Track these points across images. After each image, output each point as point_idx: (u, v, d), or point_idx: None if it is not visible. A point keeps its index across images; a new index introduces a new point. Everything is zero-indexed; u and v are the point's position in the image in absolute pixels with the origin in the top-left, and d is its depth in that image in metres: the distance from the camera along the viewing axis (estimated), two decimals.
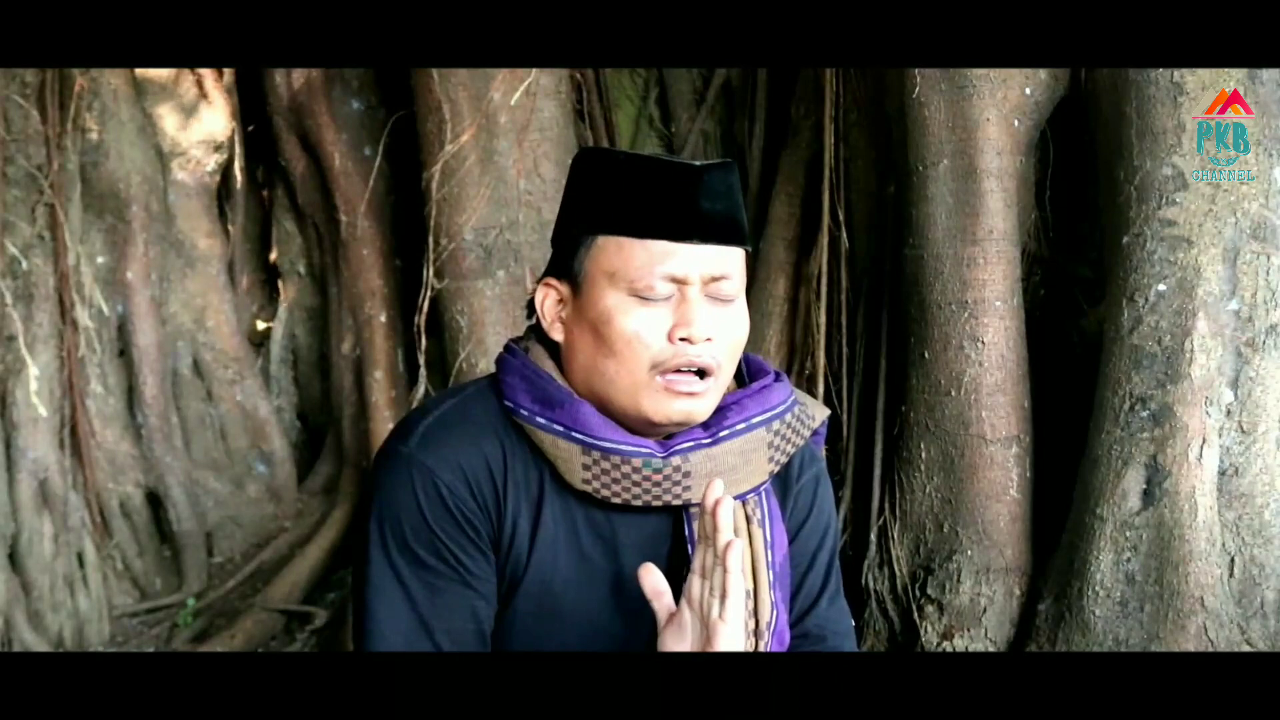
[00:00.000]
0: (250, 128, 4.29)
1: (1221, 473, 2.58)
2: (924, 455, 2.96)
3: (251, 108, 4.20)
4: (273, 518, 4.16)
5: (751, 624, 1.32)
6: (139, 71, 3.93)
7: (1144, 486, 2.61)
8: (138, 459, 3.92)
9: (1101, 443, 2.68)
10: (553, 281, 1.35)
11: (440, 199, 3.31)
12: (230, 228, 4.31)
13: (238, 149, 4.24)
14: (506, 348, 1.41)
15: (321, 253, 4.28)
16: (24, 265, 3.62)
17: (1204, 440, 2.56)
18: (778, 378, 1.41)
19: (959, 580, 2.88)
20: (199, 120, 4.09)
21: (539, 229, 3.33)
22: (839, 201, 3.30)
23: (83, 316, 3.77)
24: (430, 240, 3.35)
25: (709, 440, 1.31)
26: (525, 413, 1.32)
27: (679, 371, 1.28)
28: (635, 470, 1.29)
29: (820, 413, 1.45)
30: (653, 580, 1.25)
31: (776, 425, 1.36)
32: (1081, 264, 3.08)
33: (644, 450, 1.29)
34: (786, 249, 3.54)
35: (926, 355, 2.93)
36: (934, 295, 2.90)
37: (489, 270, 3.33)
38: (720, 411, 1.34)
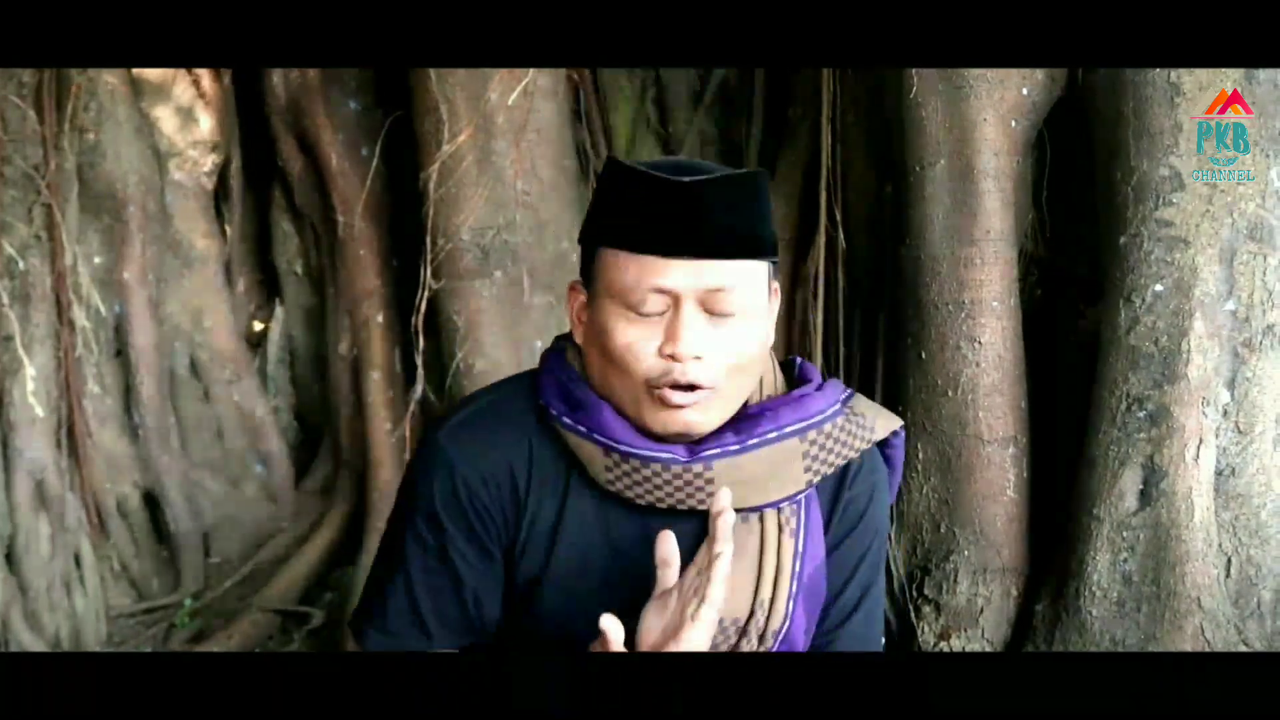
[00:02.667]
0: (248, 128, 4.28)
1: (1218, 473, 2.58)
2: (921, 455, 2.96)
3: (249, 108, 4.19)
4: (270, 518, 4.16)
5: (759, 628, 1.32)
6: (136, 72, 3.92)
7: (1141, 487, 2.61)
8: (135, 459, 3.91)
9: (1098, 443, 2.68)
10: (578, 286, 1.38)
11: (437, 199, 3.31)
12: (227, 228, 4.30)
13: (235, 149, 4.23)
14: (553, 343, 1.44)
15: (319, 253, 4.27)
16: (21, 265, 3.62)
17: (1201, 441, 2.57)
18: (821, 386, 1.37)
19: (956, 580, 2.88)
20: (196, 120, 4.09)
21: (536, 230, 3.33)
22: (836, 202, 3.30)
23: (79, 317, 3.76)
24: (427, 240, 3.35)
25: (736, 447, 1.30)
26: (554, 412, 1.34)
27: (674, 387, 1.27)
28: (655, 474, 1.29)
29: (884, 425, 1.40)
30: (666, 549, 1.26)
31: (812, 435, 1.32)
32: (1078, 264, 3.08)
33: (665, 455, 1.29)
34: (784, 250, 3.53)
35: (924, 356, 2.94)
36: (931, 295, 2.90)
37: (486, 271, 3.33)
38: (754, 418, 1.32)
